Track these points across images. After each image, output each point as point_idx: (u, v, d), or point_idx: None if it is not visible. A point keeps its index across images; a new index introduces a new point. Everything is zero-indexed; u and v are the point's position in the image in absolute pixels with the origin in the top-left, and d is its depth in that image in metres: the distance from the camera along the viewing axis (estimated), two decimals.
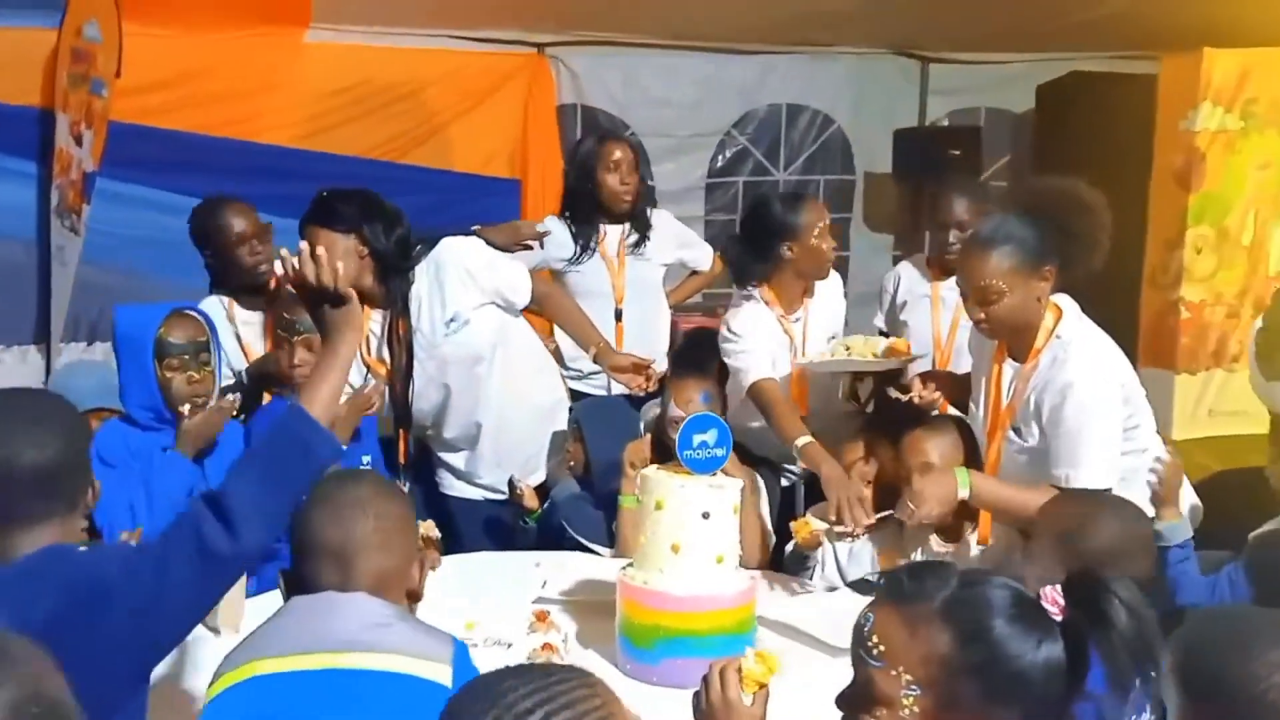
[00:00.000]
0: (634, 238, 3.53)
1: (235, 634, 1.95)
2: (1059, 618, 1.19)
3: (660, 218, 3.67)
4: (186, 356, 2.41)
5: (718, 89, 5.86)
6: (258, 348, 3.08)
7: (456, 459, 2.95)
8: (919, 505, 2.20)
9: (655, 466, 2.02)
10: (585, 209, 3.49)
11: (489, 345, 2.85)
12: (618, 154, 3.46)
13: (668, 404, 2.60)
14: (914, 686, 1.20)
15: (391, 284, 2.77)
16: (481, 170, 5.61)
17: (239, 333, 3.08)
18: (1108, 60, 5.97)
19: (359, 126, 5.31)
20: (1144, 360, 5.83)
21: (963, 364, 2.96)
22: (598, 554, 2.46)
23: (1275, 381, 2.83)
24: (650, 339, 3.54)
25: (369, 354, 2.87)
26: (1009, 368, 2.35)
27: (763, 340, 2.86)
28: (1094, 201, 2.35)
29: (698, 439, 1.94)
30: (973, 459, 2.41)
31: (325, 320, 1.63)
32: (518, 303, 2.89)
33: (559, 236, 3.49)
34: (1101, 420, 2.21)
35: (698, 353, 3.11)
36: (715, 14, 5.26)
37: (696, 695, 1.39)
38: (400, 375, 2.79)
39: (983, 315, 2.32)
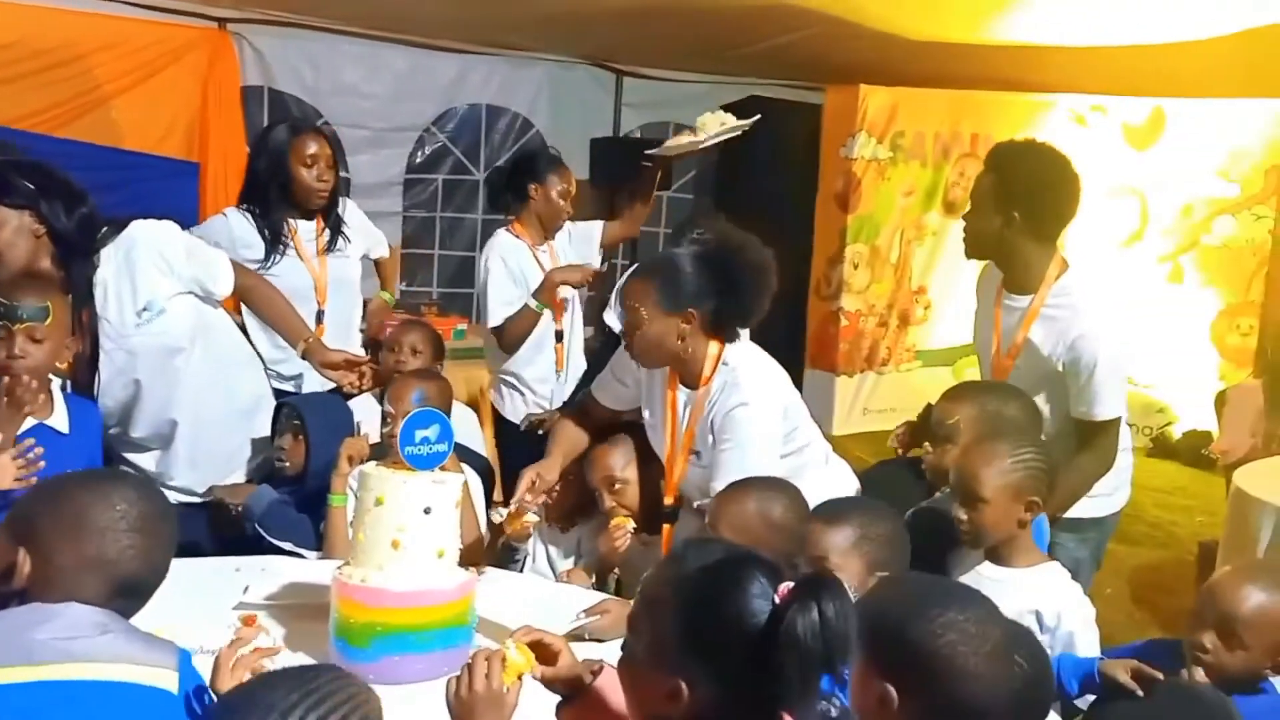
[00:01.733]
0: (328, 235, 3.33)
1: None
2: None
3: (347, 209, 3.49)
4: None
5: (417, 84, 5.78)
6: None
7: (146, 460, 2.69)
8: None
9: (374, 463, 1.97)
10: (273, 203, 3.21)
11: (186, 336, 2.62)
12: (314, 147, 3.21)
13: (384, 401, 2.55)
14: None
15: (73, 268, 2.47)
16: (155, 149, 5.16)
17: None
18: (783, 88, 6.50)
19: (6, 91, 4.72)
20: (810, 363, 6.43)
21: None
22: (302, 557, 2.35)
23: None
24: (352, 338, 3.41)
25: None
26: (682, 393, 2.48)
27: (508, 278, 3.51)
28: (761, 264, 2.42)
29: (419, 434, 1.92)
30: (646, 466, 2.53)
31: None
32: (218, 293, 2.66)
33: (244, 234, 3.19)
34: (757, 438, 2.37)
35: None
36: (409, 10, 5.18)
37: (451, 683, 1.40)
38: (83, 368, 2.50)
39: (631, 341, 2.44)
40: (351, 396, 2.84)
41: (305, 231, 3.26)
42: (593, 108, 6.27)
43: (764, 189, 6.05)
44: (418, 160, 5.99)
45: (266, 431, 2.75)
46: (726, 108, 6.24)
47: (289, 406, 2.69)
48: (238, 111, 5.35)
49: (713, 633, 1.21)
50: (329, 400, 2.78)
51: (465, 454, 2.71)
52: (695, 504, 2.43)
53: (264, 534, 2.47)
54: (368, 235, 3.59)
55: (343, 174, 5.74)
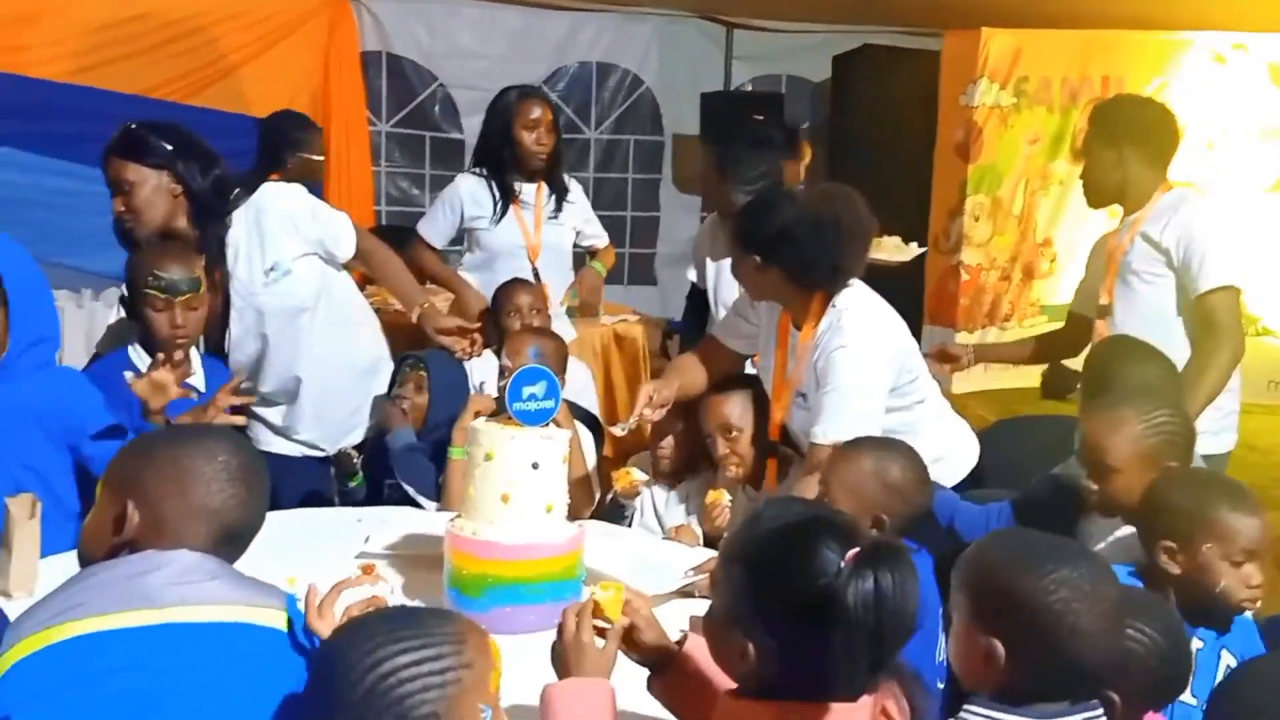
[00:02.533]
0: (551, 201, 3.49)
1: (29, 596, 1.82)
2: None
3: (575, 187, 3.64)
4: None
5: (529, 44, 5.82)
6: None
7: (274, 414, 2.82)
8: None
9: (484, 419, 2.02)
10: (500, 165, 3.41)
11: (311, 296, 2.72)
12: (536, 112, 3.39)
13: (502, 357, 2.61)
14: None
15: (208, 228, 2.59)
16: None
17: None
18: (897, 35, 6.29)
19: (140, 62, 4.95)
20: (929, 319, 6.26)
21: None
22: (421, 507, 2.43)
23: None
24: (555, 306, 3.50)
25: None
26: (793, 336, 2.47)
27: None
28: (827, 218, 2.34)
29: (527, 391, 1.95)
30: (763, 419, 2.53)
31: None
32: (340, 255, 2.75)
33: (476, 193, 3.41)
34: (859, 383, 2.32)
35: None
36: None
37: (554, 644, 1.42)
38: (216, 325, 2.63)
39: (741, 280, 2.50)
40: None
41: (527, 194, 3.42)
42: (703, 62, 6.21)
43: (879, 141, 5.90)
44: None
45: (383, 390, 2.84)
46: (840, 56, 6.13)
47: (415, 359, 2.77)
48: (358, 77, 5.50)
49: (776, 596, 1.20)
50: (450, 358, 2.85)
51: (577, 410, 2.75)
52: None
53: (396, 474, 2.56)
54: (587, 220, 3.69)
55: (457, 135, 5.91)
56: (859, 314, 2.39)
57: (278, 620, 1.37)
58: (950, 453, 2.53)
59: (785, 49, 6.24)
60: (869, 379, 2.35)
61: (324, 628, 1.42)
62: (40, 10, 4.70)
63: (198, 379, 2.53)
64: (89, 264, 4.89)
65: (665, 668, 1.46)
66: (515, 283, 3.29)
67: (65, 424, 2.17)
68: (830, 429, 2.29)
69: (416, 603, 1.94)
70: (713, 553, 2.33)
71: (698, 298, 3.54)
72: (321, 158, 3.97)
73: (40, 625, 1.32)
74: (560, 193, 3.51)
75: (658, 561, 2.22)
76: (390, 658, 1.16)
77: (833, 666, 1.18)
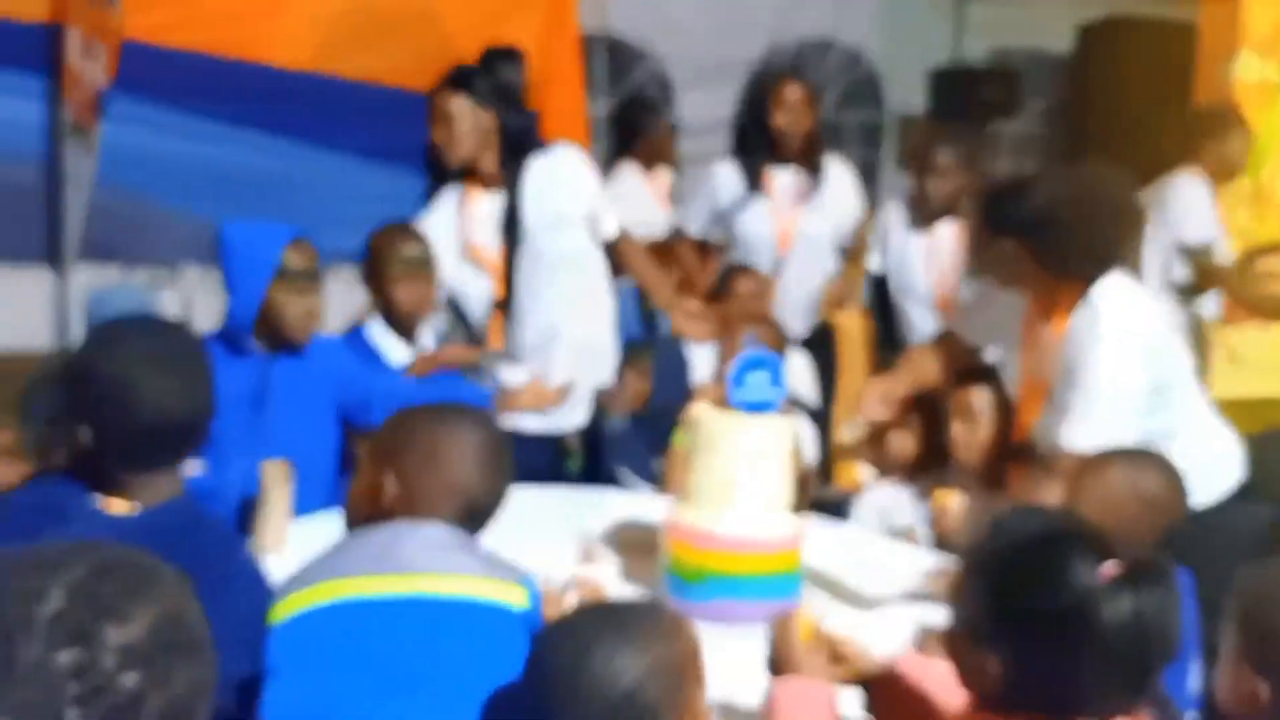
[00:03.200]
0: (807, 185, 3.31)
1: (278, 554, 1.92)
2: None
3: (838, 168, 3.41)
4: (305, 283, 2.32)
5: (745, 18, 5.69)
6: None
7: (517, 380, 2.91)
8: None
9: (706, 406, 1.94)
10: (753, 148, 3.31)
11: (575, 256, 2.80)
12: (790, 93, 3.26)
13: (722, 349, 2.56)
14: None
15: (510, 170, 2.73)
16: None
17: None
18: (1149, 4, 5.78)
19: (372, 48, 5.16)
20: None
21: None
22: (640, 492, 2.41)
23: None
24: (807, 301, 3.34)
25: (475, 238, 2.80)
26: (1044, 331, 2.26)
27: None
28: (1089, 198, 2.15)
29: (751, 379, 1.86)
30: (1003, 417, 2.36)
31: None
32: (604, 231, 2.85)
33: (726, 178, 3.32)
34: (1113, 383, 2.13)
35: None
36: None
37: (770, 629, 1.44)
38: (508, 262, 2.77)
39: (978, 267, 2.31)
40: None
41: (783, 179, 3.32)
42: (931, 35, 5.90)
43: (1127, 120, 5.44)
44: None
45: (605, 375, 2.84)
46: (1086, 27, 5.68)
47: (639, 345, 2.78)
48: (576, 58, 5.53)
49: (1023, 611, 1.14)
50: (672, 344, 2.85)
51: (796, 400, 2.65)
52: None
53: (610, 457, 2.56)
54: (855, 209, 3.43)
55: (675, 115, 5.89)
56: (1118, 305, 2.17)
57: (516, 597, 1.41)
58: (1212, 464, 2.28)
59: (1023, 20, 5.84)
60: (1125, 379, 2.13)
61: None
62: (281, 2, 4.97)
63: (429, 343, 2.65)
64: (324, 241, 5.18)
65: (882, 690, 1.42)
66: (736, 269, 3.22)
67: (352, 397, 2.32)
68: (1079, 433, 2.09)
69: (634, 587, 1.91)
70: (940, 556, 2.18)
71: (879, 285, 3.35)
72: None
73: (305, 584, 1.43)
74: (818, 178, 3.31)
75: (879, 561, 2.10)
76: (610, 656, 1.18)
77: (1083, 688, 1.10)
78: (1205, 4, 5.48)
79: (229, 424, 1.98)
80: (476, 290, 2.86)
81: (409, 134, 5.30)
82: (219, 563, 1.45)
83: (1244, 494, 2.33)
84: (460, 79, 2.80)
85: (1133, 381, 2.16)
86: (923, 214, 3.17)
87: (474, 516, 1.52)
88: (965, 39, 5.87)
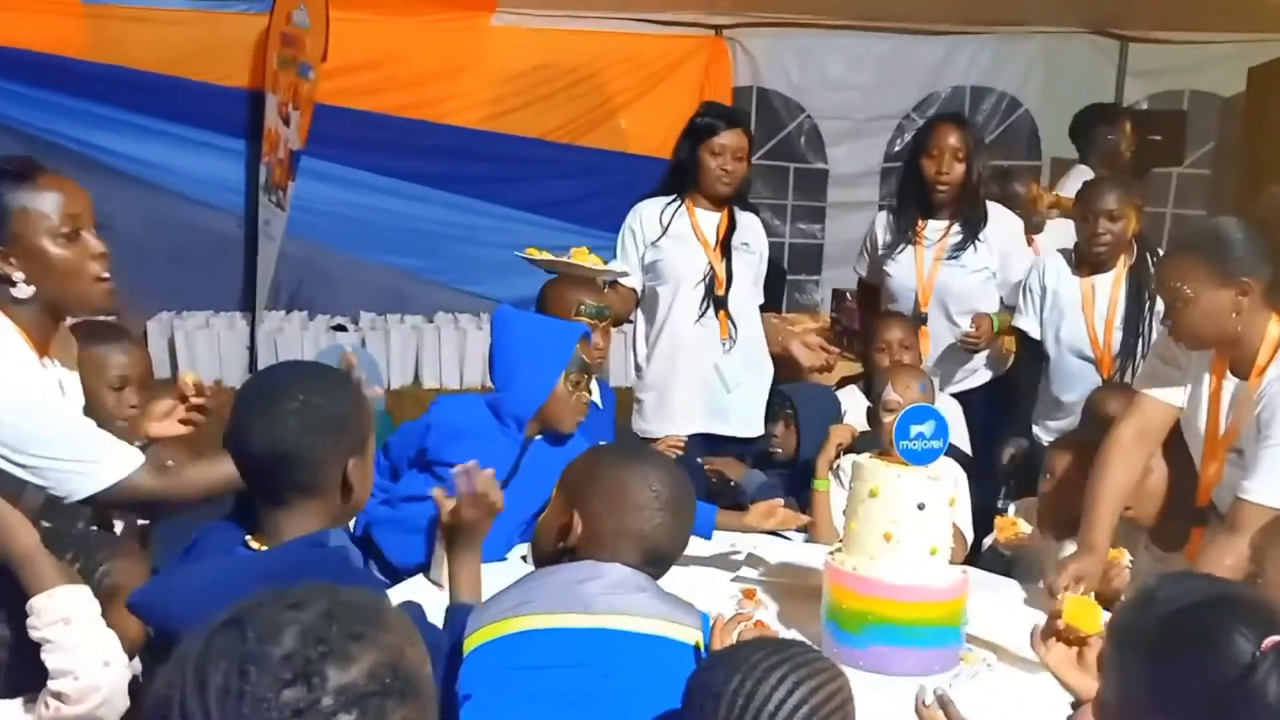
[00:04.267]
0: (958, 237, 3.20)
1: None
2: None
3: (1001, 218, 3.27)
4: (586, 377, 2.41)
5: (898, 71, 5.72)
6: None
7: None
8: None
9: (869, 455, 2.00)
10: (904, 197, 3.32)
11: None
12: (943, 137, 3.16)
13: (884, 388, 2.57)
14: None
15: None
16: (656, 153, 5.64)
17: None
18: None
19: (540, 108, 5.45)
20: None
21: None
22: (785, 538, 2.46)
23: None
24: (947, 354, 3.27)
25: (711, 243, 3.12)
26: (1230, 383, 2.19)
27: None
28: None
29: (915, 430, 1.91)
30: (1181, 472, 2.28)
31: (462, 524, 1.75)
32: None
33: (881, 225, 3.37)
34: None
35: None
36: None
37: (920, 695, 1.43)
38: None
39: (1170, 320, 2.19)
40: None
41: (932, 229, 3.26)
42: (1091, 80, 5.76)
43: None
44: (895, 148, 5.93)
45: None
46: (1258, 68, 5.45)
47: (781, 394, 2.83)
48: None
49: (1180, 688, 1.10)
50: (819, 391, 2.88)
51: (950, 451, 2.65)
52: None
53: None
54: (1007, 254, 3.26)
55: (821, 165, 5.94)
56: None
57: (693, 637, 1.49)
58: None
59: (1189, 62, 5.66)
60: None
61: None
62: (458, 66, 5.31)
63: (595, 394, 2.76)
64: (491, 290, 5.45)
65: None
66: (889, 315, 3.23)
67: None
68: (1269, 487, 2.02)
69: (793, 631, 1.96)
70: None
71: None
72: None
73: (496, 617, 1.52)
74: (971, 228, 3.20)
75: (1038, 618, 2.08)
76: (780, 681, 1.23)
77: None
78: None
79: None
80: None
81: (574, 188, 5.58)
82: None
83: None
84: (742, 119, 3.28)
85: None
86: (1087, 262, 3.09)
87: (654, 561, 1.57)
88: (1128, 82, 5.74)
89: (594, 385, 2.70)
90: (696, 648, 1.48)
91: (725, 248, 3.13)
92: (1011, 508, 2.62)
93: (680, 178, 3.16)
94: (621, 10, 5.40)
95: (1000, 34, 5.69)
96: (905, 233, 3.28)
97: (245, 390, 1.55)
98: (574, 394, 2.34)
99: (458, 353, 5.12)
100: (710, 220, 3.16)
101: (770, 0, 5.41)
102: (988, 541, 2.53)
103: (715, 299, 3.09)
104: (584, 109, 5.56)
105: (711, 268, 3.10)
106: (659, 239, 3.13)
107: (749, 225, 3.23)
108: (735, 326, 3.11)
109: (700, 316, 3.09)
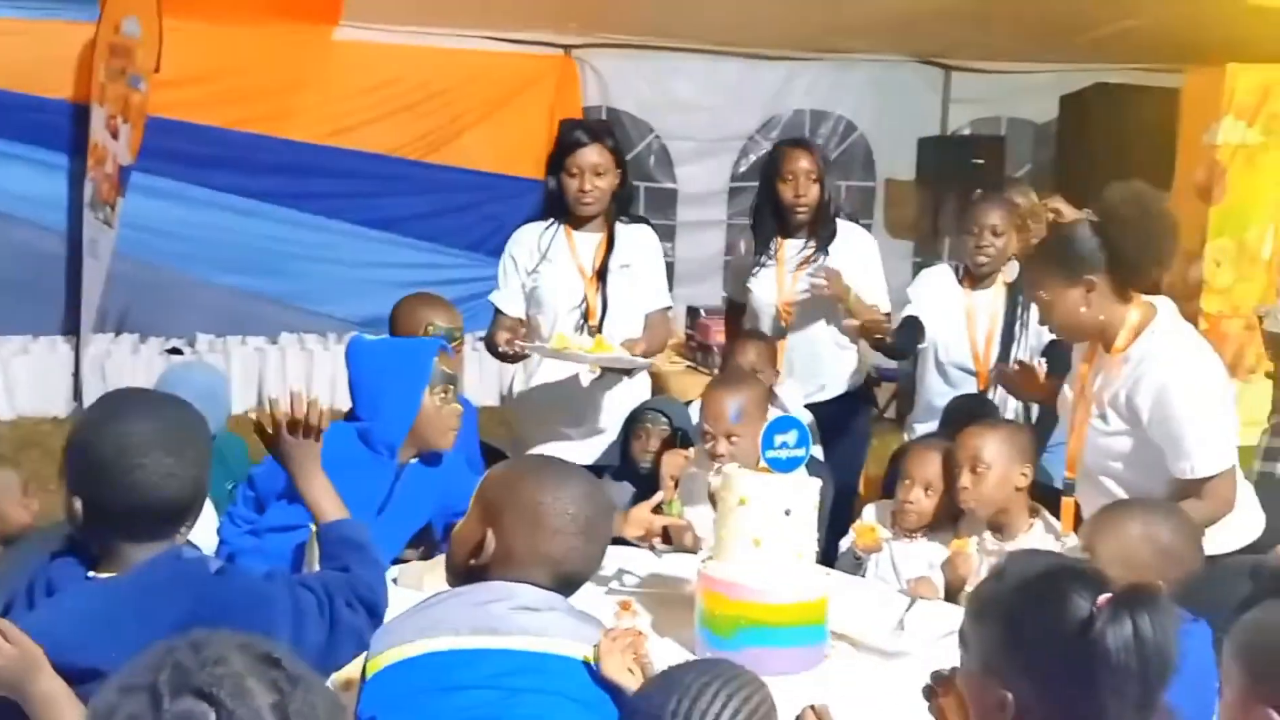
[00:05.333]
0: (813, 253, 3.25)
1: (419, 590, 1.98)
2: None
3: (853, 235, 3.34)
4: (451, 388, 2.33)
5: (743, 94, 5.92)
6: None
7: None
8: None
9: (736, 465, 2.05)
10: (761, 217, 3.35)
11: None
12: (790, 164, 3.24)
13: (702, 414, 2.59)
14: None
15: (614, 228, 3.03)
16: (505, 170, 5.65)
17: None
18: (1132, 72, 6.03)
19: (387, 125, 5.37)
20: None
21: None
22: (656, 553, 2.48)
23: None
24: (813, 368, 3.32)
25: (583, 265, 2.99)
26: (1100, 360, 2.39)
27: None
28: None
29: (779, 439, 1.98)
30: (1033, 457, 2.45)
31: (292, 452, 1.77)
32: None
33: (747, 246, 3.40)
34: (1205, 408, 2.25)
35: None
36: (744, 20, 5.31)
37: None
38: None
39: (1050, 322, 2.40)
40: None
41: (790, 248, 3.30)
42: (919, 106, 6.13)
43: (1110, 182, 5.63)
44: (742, 169, 6.12)
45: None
46: (1069, 96, 5.91)
47: (653, 411, 2.85)
48: None
49: (1031, 645, 1.23)
50: (680, 408, 2.92)
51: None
52: (1099, 476, 2.35)
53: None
54: (867, 269, 3.30)
55: (670, 185, 6.07)
56: (1185, 335, 2.31)
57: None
58: (1237, 515, 2.37)
59: (1007, 90, 6.08)
60: (1215, 395, 2.27)
61: (614, 671, 1.47)
62: (302, 81, 5.17)
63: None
64: (339, 310, 5.32)
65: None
66: (745, 337, 3.30)
67: (449, 508, 2.33)
68: (1206, 459, 2.21)
69: (668, 640, 1.99)
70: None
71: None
72: None
73: (403, 640, 1.48)
74: (823, 246, 3.27)
75: (897, 615, 2.19)
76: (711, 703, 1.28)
77: (1098, 710, 1.19)
78: (1189, 72, 5.71)
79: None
80: None
81: (424, 205, 5.50)
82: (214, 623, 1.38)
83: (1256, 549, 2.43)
84: (611, 133, 3.03)
85: (1226, 391, 2.29)
86: (970, 275, 3.23)
87: (565, 584, 1.54)
88: (952, 109, 6.12)
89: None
90: (586, 662, 1.46)
91: (601, 273, 3.01)
92: (868, 511, 2.71)
93: (553, 202, 3.04)
94: (470, 28, 5.38)
95: (835, 61, 5.96)
96: (764, 253, 3.35)
97: (94, 434, 1.46)
98: (442, 408, 2.30)
99: (305, 374, 4.95)
100: (589, 243, 3.04)
101: (619, 22, 5.49)
102: (844, 545, 2.62)
103: (590, 328, 2.98)
104: (433, 126, 5.50)
105: (585, 297, 3.00)
106: (537, 265, 3.02)
107: (633, 242, 3.07)
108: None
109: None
